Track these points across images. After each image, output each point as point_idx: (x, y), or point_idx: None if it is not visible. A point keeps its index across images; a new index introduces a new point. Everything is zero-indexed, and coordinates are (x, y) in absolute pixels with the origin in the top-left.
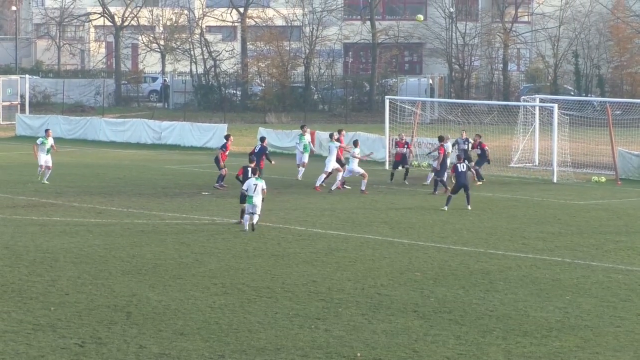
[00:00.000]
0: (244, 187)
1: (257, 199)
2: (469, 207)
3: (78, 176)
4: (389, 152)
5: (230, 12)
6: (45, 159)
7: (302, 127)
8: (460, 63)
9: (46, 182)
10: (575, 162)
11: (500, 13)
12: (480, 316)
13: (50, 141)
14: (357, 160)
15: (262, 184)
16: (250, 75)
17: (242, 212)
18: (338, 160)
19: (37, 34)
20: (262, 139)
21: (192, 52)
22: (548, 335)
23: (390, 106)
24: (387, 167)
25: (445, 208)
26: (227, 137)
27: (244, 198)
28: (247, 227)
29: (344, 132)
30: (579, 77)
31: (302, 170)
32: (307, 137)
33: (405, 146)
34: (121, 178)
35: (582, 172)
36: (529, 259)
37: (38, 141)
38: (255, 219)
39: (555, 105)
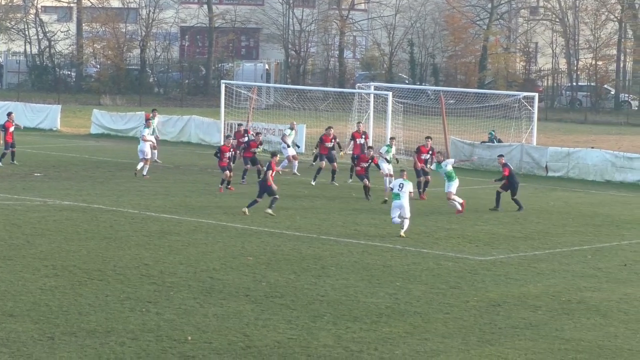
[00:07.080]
0: None
1: None
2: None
3: None
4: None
5: None
6: (146, 150)
7: (291, 124)
8: (297, 49)
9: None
10: (408, 149)
11: (337, 0)
12: (311, 301)
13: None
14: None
15: None
16: (85, 56)
17: None
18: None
19: None
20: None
21: (26, 32)
22: (378, 321)
23: (226, 91)
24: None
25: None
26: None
27: None
28: None
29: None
30: (413, 66)
31: (295, 164)
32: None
33: (363, 136)
34: None
35: None
36: (361, 245)
37: (145, 131)
38: None
39: (390, 93)
